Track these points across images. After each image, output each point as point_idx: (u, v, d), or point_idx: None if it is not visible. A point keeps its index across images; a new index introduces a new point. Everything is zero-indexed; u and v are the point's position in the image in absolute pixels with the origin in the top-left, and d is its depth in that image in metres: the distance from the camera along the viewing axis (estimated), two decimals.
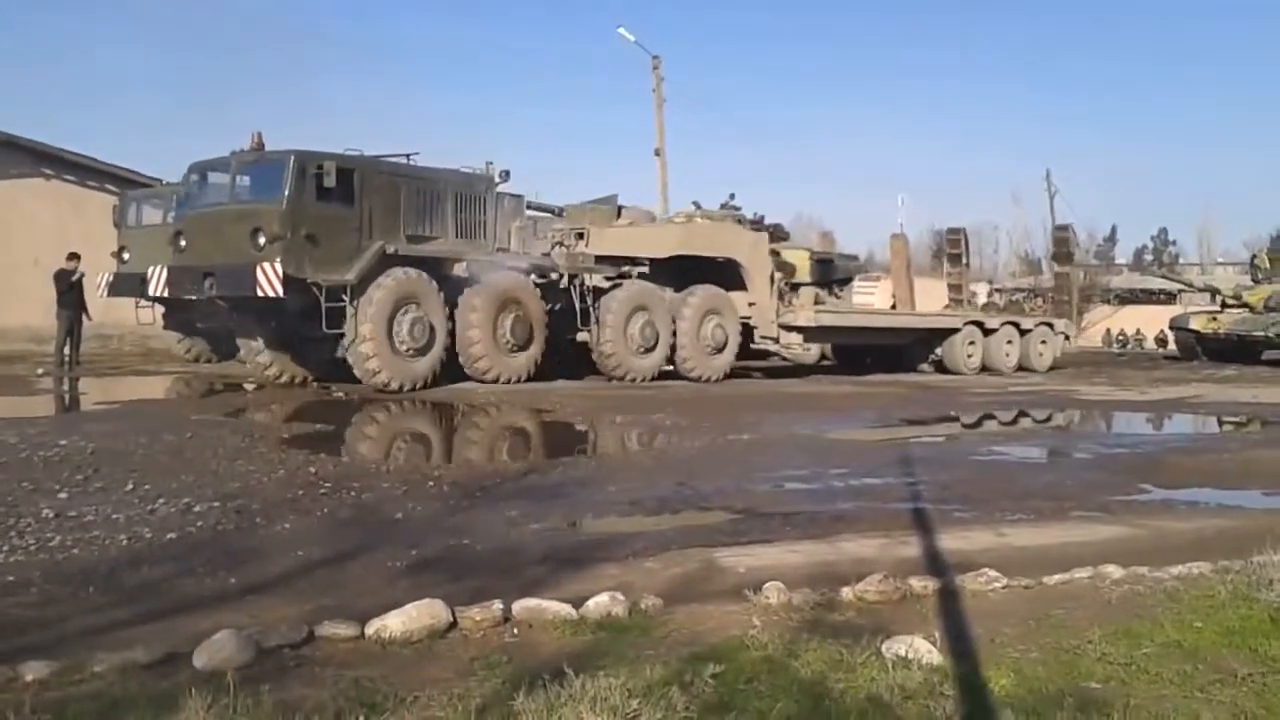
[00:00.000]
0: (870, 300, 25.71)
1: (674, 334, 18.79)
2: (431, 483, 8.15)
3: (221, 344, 19.74)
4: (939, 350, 24.14)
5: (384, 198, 15.29)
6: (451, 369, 16.18)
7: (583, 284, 17.78)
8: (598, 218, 19.30)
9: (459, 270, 16.05)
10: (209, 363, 20.42)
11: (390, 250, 15.01)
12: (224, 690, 3.27)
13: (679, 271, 19.36)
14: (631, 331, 18.08)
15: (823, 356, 26.35)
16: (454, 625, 4.18)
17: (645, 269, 19.12)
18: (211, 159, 15.87)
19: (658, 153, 34.70)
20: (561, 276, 17.61)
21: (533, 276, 17.14)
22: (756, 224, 21.78)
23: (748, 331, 20.50)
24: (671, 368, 19.18)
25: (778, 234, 22.53)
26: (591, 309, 17.77)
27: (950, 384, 21.24)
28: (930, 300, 28.40)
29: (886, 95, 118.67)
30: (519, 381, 16.45)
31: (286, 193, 14.20)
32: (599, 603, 4.45)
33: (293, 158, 14.33)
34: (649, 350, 18.34)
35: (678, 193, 42.41)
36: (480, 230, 16.79)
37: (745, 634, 4.16)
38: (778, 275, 20.80)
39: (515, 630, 4.23)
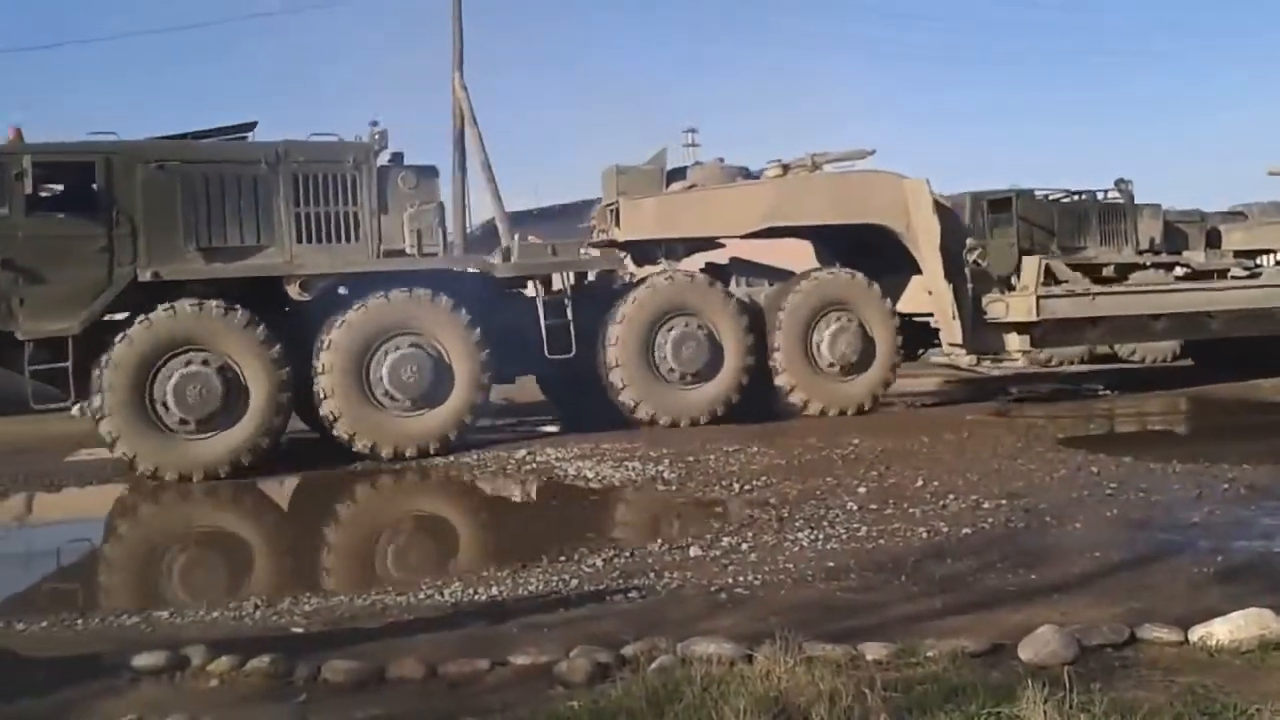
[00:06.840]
0: None
1: (768, 348, 12.37)
2: (1226, 485, 7.59)
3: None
4: None
5: (154, 199, 10.33)
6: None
7: (560, 287, 12.02)
8: (634, 185, 13.19)
9: (298, 293, 10.66)
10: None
11: (148, 275, 10.13)
12: (1056, 684, 3.35)
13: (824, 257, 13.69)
14: (660, 350, 11.81)
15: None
16: None
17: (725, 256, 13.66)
18: None
19: None
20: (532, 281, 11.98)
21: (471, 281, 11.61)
22: None
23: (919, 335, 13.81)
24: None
25: None
26: (571, 323, 11.60)
27: None
28: None
29: None
30: (435, 453, 10.60)
31: None
32: None
33: None
34: (696, 378, 11.87)
35: None
36: (348, 228, 10.97)
37: None
38: (970, 243, 13.35)
39: None
